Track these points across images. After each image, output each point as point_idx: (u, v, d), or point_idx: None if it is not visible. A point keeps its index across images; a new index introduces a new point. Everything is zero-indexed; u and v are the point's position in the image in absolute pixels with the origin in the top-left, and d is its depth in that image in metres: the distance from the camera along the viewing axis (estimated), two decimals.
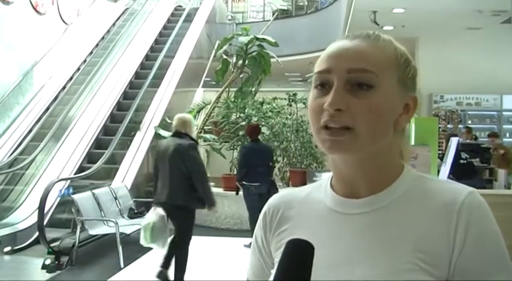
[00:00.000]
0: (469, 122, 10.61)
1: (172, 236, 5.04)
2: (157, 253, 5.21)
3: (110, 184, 7.52)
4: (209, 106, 10.20)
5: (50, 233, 6.19)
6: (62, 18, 10.64)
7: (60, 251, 5.78)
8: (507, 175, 5.64)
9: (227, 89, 10.42)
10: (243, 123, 8.97)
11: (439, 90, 10.41)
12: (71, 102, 8.99)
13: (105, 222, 6.28)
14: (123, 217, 6.77)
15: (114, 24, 12.24)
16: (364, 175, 0.88)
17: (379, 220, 0.85)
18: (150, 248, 5.37)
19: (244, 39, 9.96)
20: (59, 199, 6.95)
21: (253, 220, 6.44)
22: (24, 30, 9.28)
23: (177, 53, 11.30)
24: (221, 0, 15.70)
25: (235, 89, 10.40)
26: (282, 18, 14.35)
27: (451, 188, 0.86)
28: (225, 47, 10.32)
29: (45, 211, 6.29)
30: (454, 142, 4.07)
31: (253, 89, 10.45)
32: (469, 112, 10.68)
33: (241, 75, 10.48)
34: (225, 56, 10.38)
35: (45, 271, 5.47)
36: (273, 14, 14.88)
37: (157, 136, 8.94)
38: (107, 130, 9.18)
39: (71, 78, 10.13)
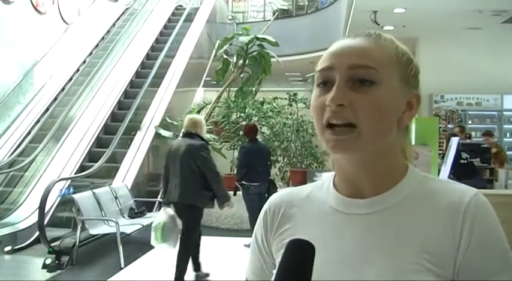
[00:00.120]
0: (470, 122, 10.59)
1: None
2: (158, 253, 5.21)
3: (111, 184, 7.52)
4: (209, 106, 10.19)
5: (51, 233, 6.19)
6: (63, 18, 10.65)
7: (61, 251, 5.79)
8: (507, 175, 5.62)
9: (227, 88, 10.42)
10: (244, 123, 8.97)
11: (439, 90, 10.39)
12: (72, 101, 9.00)
13: (105, 222, 6.28)
14: (124, 217, 6.77)
15: (114, 25, 12.25)
16: (368, 174, 0.88)
17: (384, 221, 0.85)
18: (150, 248, 5.38)
19: (244, 39, 9.96)
20: (59, 198, 6.96)
21: (253, 220, 6.44)
22: (25, 30, 9.28)
23: (177, 52, 11.31)
24: (222, 0, 15.71)
25: (235, 89, 10.40)
26: (282, 18, 14.35)
27: (455, 189, 0.86)
28: (225, 47, 10.32)
29: (46, 211, 6.30)
30: (454, 141, 4.07)
31: (253, 89, 10.45)
32: (469, 112, 10.66)
33: (241, 75, 10.48)
34: (225, 56, 10.38)
35: (45, 270, 5.47)
36: (274, 14, 14.88)
37: (157, 136, 8.95)
38: (108, 129, 9.19)
39: (70, 79, 10.13)
